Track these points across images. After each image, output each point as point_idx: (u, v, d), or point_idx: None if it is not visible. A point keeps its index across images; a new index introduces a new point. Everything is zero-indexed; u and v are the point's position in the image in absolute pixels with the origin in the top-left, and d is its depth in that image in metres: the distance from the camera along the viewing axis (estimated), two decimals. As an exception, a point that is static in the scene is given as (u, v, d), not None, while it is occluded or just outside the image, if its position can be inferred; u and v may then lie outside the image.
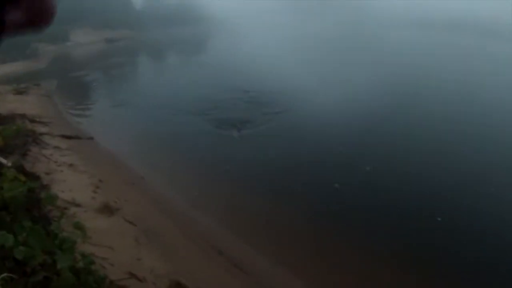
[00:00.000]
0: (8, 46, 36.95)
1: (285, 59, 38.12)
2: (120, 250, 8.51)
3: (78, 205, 10.29)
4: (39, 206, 7.44)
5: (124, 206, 10.81)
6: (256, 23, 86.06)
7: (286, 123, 18.87)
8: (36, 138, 14.58)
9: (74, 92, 28.75)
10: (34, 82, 27.91)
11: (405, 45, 54.62)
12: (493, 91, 27.29)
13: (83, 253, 4.34)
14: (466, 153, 15.73)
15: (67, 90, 28.60)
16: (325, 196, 12.43)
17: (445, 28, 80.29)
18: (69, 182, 11.60)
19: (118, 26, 69.16)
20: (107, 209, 10.45)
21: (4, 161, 8.91)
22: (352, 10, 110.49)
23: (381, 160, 14.86)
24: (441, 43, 59.28)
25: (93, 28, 63.87)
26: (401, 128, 18.45)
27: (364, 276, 9.23)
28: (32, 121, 17.44)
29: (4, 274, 3.05)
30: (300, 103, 22.07)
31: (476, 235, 10.53)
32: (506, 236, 10.53)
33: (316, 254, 9.72)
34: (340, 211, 11.60)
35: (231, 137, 17.19)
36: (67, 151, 14.33)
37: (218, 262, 9.11)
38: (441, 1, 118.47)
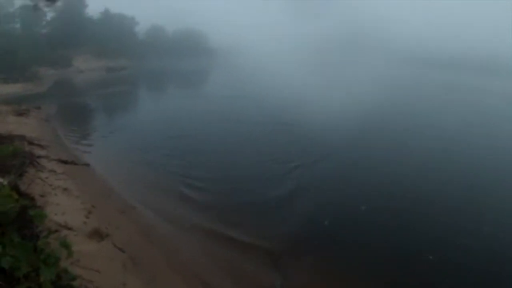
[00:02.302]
0: (8, 67, 37.65)
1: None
2: (107, 274, 8.61)
3: (69, 228, 10.41)
4: (31, 225, 7.60)
5: (114, 233, 10.92)
6: (261, 59, 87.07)
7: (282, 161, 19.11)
8: (33, 160, 14.74)
9: (73, 118, 28.99)
10: (35, 105, 28.21)
11: (410, 84, 55.80)
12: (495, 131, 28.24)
13: (66, 269, 4.50)
14: (460, 193, 16.13)
15: (66, 115, 28.92)
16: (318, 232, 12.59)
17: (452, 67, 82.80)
18: (63, 206, 11.73)
19: (120, 55, 70.08)
20: (97, 234, 10.56)
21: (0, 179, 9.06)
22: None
23: (377, 200, 15.05)
24: (446, 83, 60.73)
25: (94, 55, 64.75)
26: (398, 170, 18.73)
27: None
28: (31, 143, 17.62)
29: (-10, 279, 3.23)
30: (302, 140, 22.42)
31: (467, 273, 10.70)
32: (497, 275, 10.75)
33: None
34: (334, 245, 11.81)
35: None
36: (62, 175, 14.49)
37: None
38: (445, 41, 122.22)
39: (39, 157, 15.83)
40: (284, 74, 63.36)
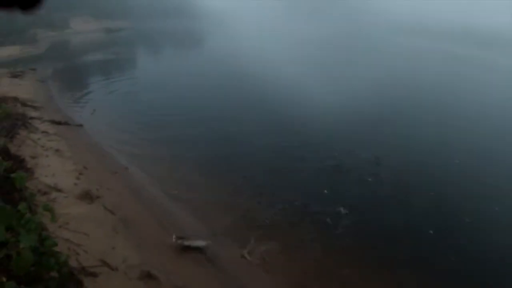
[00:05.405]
0: (6, 30, 36.96)
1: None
2: (96, 238, 8.68)
3: (59, 190, 10.45)
4: (21, 189, 7.59)
5: (105, 194, 10.97)
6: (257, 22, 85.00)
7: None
8: (25, 122, 14.73)
9: (70, 79, 28.75)
10: (31, 67, 27.90)
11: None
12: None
13: (48, 235, 4.49)
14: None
15: (62, 77, 28.57)
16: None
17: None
18: (53, 167, 11.76)
19: (118, 16, 68.90)
20: (88, 196, 10.60)
21: (-12, 141, 9.05)
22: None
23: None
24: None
25: (93, 17, 63.50)
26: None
27: None
28: (24, 105, 17.54)
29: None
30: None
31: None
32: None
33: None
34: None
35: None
36: (55, 136, 14.47)
37: (189, 255, 9.31)
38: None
39: (31, 118, 15.79)
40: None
